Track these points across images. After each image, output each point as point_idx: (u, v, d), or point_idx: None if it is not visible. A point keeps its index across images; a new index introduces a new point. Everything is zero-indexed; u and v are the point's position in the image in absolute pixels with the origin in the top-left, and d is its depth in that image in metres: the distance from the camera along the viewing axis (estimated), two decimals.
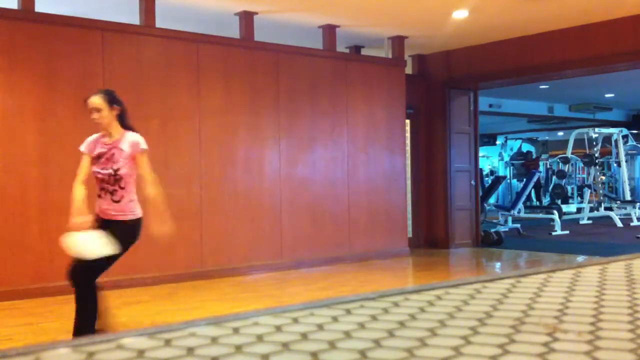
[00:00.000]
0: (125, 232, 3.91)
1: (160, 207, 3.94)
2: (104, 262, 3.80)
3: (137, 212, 3.99)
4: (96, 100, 3.95)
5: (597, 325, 0.83)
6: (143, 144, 3.98)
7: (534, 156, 18.92)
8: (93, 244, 3.69)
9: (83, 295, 3.81)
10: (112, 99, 3.99)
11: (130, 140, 3.96)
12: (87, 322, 3.80)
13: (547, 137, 21.58)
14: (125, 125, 4.04)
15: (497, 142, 20.94)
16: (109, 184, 3.92)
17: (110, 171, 3.91)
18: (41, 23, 6.10)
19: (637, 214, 13.86)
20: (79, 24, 6.33)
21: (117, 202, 3.93)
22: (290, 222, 7.68)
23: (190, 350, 0.72)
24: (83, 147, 4.02)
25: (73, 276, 3.80)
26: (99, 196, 3.96)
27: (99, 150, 3.98)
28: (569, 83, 12.14)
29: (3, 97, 5.93)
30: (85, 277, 3.79)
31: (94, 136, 4.05)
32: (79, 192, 3.85)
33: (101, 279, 3.91)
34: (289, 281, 6.96)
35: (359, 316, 0.88)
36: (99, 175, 3.94)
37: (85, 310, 3.81)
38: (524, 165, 17.80)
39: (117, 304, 5.56)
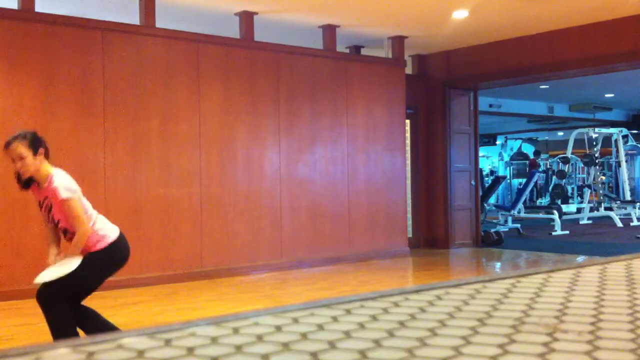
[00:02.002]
0: (92, 261, 3.55)
1: (69, 249, 3.52)
2: (68, 285, 3.56)
3: (103, 242, 3.60)
4: (18, 148, 3.44)
5: (597, 325, 0.83)
6: (61, 193, 3.45)
7: (540, 156, 18.93)
8: (51, 270, 3.51)
9: (52, 318, 3.58)
10: (34, 142, 3.49)
11: (52, 188, 3.47)
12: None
13: (547, 137, 21.59)
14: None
15: (497, 142, 20.95)
16: (59, 232, 3.64)
17: (53, 223, 3.61)
18: (41, 23, 6.10)
19: (637, 214, 13.86)
20: (79, 24, 6.33)
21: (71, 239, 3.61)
22: (290, 222, 7.68)
23: (190, 350, 0.72)
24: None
25: (38, 299, 3.60)
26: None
27: (37, 198, 3.64)
28: (569, 83, 12.14)
29: (3, 97, 5.93)
30: (50, 299, 3.56)
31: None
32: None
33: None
34: (289, 281, 6.96)
35: (359, 316, 0.88)
36: (47, 222, 3.66)
37: (60, 332, 3.58)
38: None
39: (117, 304, 5.57)
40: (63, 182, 3.49)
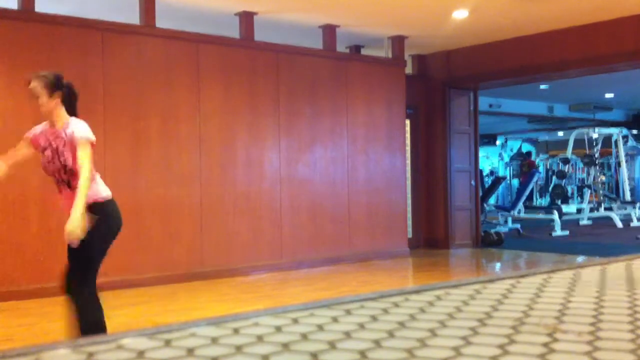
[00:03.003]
0: (96, 219, 3.48)
1: (75, 203, 3.36)
2: (89, 258, 3.51)
3: (101, 194, 3.56)
4: (34, 85, 3.48)
5: (597, 326, 0.83)
6: (79, 132, 3.44)
7: (534, 157, 18.92)
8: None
9: (81, 304, 3.50)
10: (51, 84, 3.50)
11: (70, 130, 3.47)
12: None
13: (547, 137, 21.59)
14: (73, 112, 3.60)
15: (497, 142, 20.95)
16: (62, 175, 3.55)
17: (58, 165, 3.52)
18: (41, 23, 6.10)
19: (637, 215, 13.85)
20: (79, 24, 6.33)
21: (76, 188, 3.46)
22: (290, 222, 7.68)
23: (190, 351, 0.72)
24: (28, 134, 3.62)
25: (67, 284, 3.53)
26: (60, 192, 3.60)
27: (43, 143, 3.58)
28: (569, 83, 12.14)
29: (3, 97, 5.93)
30: (80, 281, 3.50)
31: (40, 126, 3.64)
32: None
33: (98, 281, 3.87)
34: (289, 281, 6.96)
35: (359, 317, 0.88)
36: (50, 169, 3.58)
37: (87, 322, 3.46)
38: (521, 165, 17.80)
39: (117, 305, 5.56)
40: (83, 126, 3.50)
